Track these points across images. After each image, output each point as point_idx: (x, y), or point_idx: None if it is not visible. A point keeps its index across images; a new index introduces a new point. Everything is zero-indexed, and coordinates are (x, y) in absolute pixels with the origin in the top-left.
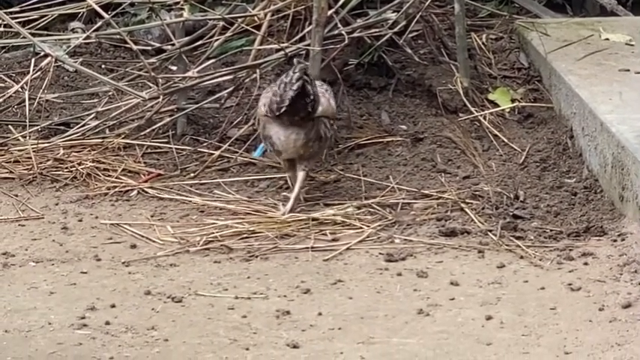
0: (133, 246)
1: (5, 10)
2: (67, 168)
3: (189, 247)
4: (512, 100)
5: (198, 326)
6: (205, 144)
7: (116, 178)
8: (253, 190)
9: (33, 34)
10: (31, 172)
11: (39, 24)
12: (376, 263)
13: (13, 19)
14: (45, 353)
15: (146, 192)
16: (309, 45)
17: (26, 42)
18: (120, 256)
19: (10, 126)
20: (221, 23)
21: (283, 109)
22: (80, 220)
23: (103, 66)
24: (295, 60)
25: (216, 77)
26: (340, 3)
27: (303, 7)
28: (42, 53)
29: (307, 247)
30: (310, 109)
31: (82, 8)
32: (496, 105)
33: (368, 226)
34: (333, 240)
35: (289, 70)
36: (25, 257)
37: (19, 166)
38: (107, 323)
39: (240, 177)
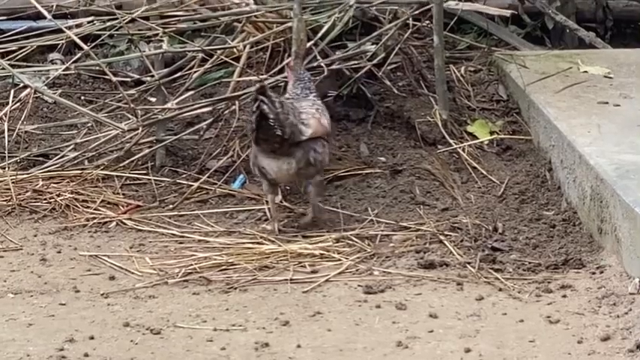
0: (112, 277)
1: None
2: (45, 199)
3: (168, 278)
4: (491, 133)
5: (177, 358)
6: (184, 175)
7: (95, 209)
8: (232, 221)
9: (12, 65)
10: (10, 203)
11: (18, 55)
12: (355, 295)
13: None
14: None
15: (125, 223)
16: (285, 77)
17: (5, 73)
18: (99, 287)
19: None
20: (200, 55)
21: (254, 136)
22: (59, 252)
23: (82, 97)
24: (258, 84)
25: (196, 109)
26: (319, 35)
27: (282, 39)
28: (21, 84)
29: (286, 279)
30: (280, 132)
31: (61, 40)
32: (475, 137)
33: (347, 258)
34: (312, 272)
35: None
36: (3, 289)
37: None
38: (86, 355)
39: (220, 209)
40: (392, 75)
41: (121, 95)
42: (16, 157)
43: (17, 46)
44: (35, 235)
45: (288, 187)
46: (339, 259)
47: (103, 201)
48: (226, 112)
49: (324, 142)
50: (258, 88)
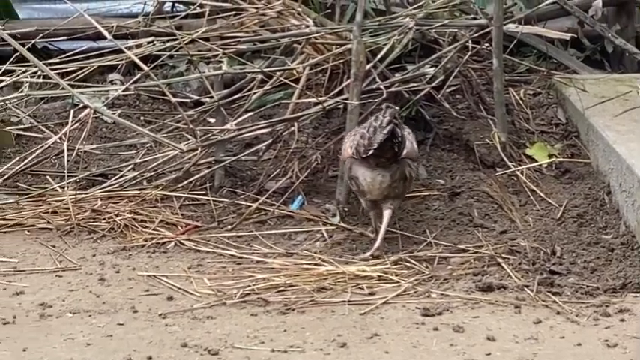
0: (170, 298)
1: (45, 62)
2: (104, 219)
3: (226, 299)
4: (550, 156)
5: None
6: (243, 196)
7: (153, 229)
8: (290, 242)
9: (72, 86)
10: (69, 222)
11: (78, 75)
12: (413, 317)
13: (52, 70)
14: None
15: (183, 244)
16: (347, 99)
17: (65, 93)
18: (157, 307)
19: (48, 177)
20: (259, 76)
21: (371, 152)
22: (117, 272)
23: (141, 118)
24: (384, 105)
25: (255, 130)
26: (379, 57)
27: (341, 61)
28: (81, 105)
29: (344, 301)
30: (397, 149)
31: (121, 60)
32: (533, 160)
33: (405, 280)
34: (370, 294)
35: (378, 114)
36: (62, 308)
37: (57, 216)
38: None
39: (278, 229)
40: (451, 97)
41: (180, 116)
42: (76, 176)
43: (77, 66)
44: (94, 255)
45: (346, 209)
46: (397, 281)
47: (161, 221)
48: (285, 133)
49: (414, 163)
50: (392, 111)
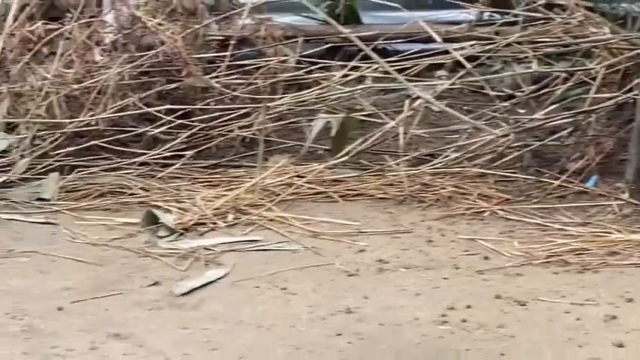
0: (486, 257)
1: (385, 60)
2: (431, 191)
3: (532, 260)
4: None
5: (539, 326)
6: (547, 175)
7: (472, 201)
8: (586, 214)
9: (407, 80)
10: (403, 193)
11: (411, 71)
12: None
13: (390, 66)
14: (412, 343)
15: (497, 213)
16: (637, 95)
17: (401, 86)
18: (475, 265)
19: (385, 155)
20: (563, 75)
21: None
22: (442, 235)
23: (463, 108)
24: None
25: (558, 120)
26: None
27: (632, 63)
28: (413, 95)
29: (632, 264)
30: None
31: (448, 59)
32: None
33: None
34: None
35: None
36: (396, 264)
37: (393, 188)
38: (463, 321)
39: (575, 203)
40: None
41: (496, 107)
42: (408, 155)
43: (411, 63)
44: (422, 221)
45: (633, 187)
46: None
47: (479, 194)
48: (584, 122)
49: None
50: None
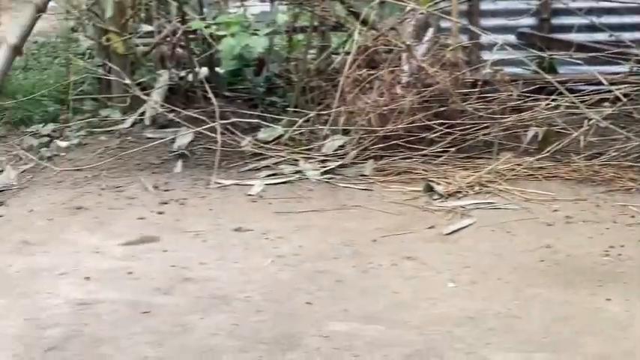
0: (632, 216)
1: (572, 95)
2: (599, 176)
3: None
4: None
5: None
6: None
7: (624, 182)
8: None
9: (586, 107)
10: (581, 176)
11: (588, 102)
12: None
13: (576, 98)
14: (587, 267)
15: None
16: None
17: (582, 111)
18: (625, 221)
19: (571, 153)
20: None
21: None
22: (605, 202)
23: (620, 125)
24: None
25: None
26: None
27: None
28: (589, 117)
29: None
30: None
31: (611, 95)
32: None
33: None
34: None
35: None
36: (577, 219)
37: (575, 173)
38: (619, 255)
39: None
40: None
41: None
42: (585, 153)
43: (589, 97)
44: (594, 193)
45: None
46: None
47: (629, 177)
48: None
49: None
50: None
